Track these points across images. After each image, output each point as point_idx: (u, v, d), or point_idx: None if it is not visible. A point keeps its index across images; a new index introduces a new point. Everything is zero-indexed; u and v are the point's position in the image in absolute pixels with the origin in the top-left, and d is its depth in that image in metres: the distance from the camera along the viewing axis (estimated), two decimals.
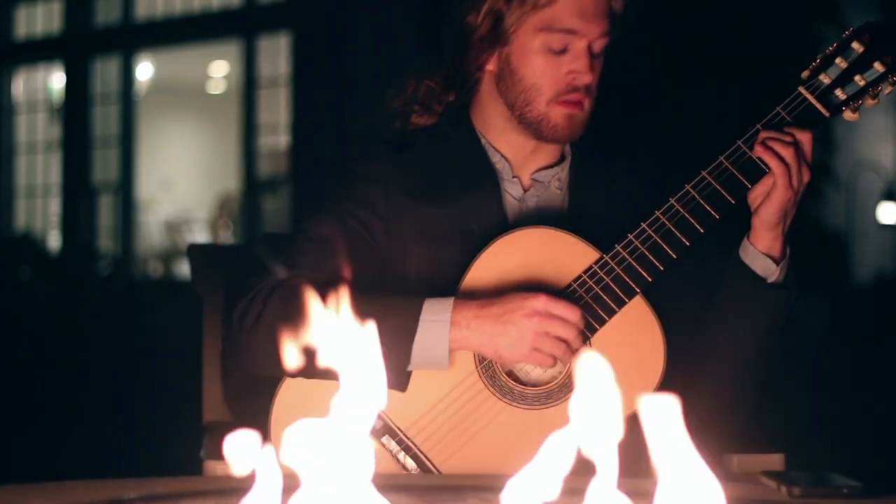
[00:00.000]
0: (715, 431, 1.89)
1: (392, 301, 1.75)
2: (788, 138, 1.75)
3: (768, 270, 1.81)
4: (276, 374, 1.78)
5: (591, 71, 1.81)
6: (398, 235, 1.86)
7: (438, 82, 1.94)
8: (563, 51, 1.81)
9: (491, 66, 1.87)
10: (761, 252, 1.80)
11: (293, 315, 1.73)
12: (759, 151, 1.76)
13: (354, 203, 1.86)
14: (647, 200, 1.80)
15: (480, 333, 1.72)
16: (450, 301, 1.74)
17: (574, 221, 1.86)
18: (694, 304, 1.89)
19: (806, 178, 1.75)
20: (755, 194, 1.77)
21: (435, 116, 1.95)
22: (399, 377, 1.74)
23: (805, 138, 1.75)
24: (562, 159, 1.92)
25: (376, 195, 1.86)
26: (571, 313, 1.72)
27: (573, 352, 1.73)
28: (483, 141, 1.91)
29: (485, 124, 1.91)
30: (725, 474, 1.84)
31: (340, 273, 1.79)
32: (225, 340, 1.85)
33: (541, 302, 1.71)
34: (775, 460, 1.92)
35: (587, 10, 1.81)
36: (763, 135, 1.76)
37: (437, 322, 1.72)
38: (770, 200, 1.75)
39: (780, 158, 1.74)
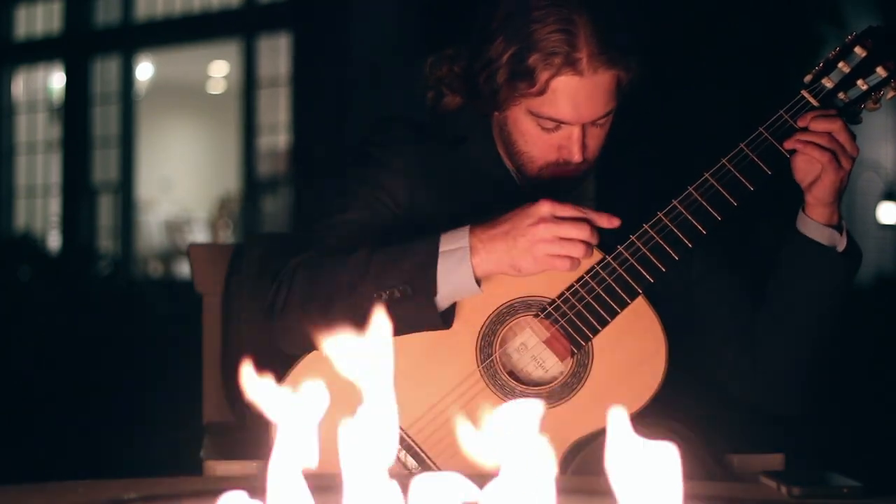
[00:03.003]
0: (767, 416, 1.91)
1: (409, 244, 1.75)
2: (821, 127, 1.75)
3: (834, 239, 1.81)
4: (312, 350, 1.78)
5: (583, 150, 1.78)
6: (411, 230, 1.86)
7: (465, 69, 1.89)
8: (557, 128, 1.79)
9: (497, 113, 1.87)
10: (823, 224, 1.80)
11: (318, 288, 1.75)
12: (797, 146, 1.75)
13: (378, 189, 1.87)
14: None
15: (496, 253, 1.71)
16: (465, 229, 1.73)
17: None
18: (737, 295, 1.91)
19: (854, 153, 1.75)
20: (801, 177, 1.78)
21: (462, 99, 1.92)
22: (432, 316, 1.73)
23: (835, 126, 1.75)
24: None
25: (397, 186, 1.87)
26: (578, 212, 1.71)
27: (588, 248, 1.71)
28: (501, 150, 1.91)
29: (500, 141, 1.91)
30: (725, 474, 1.84)
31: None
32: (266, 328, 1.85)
33: (545, 207, 1.70)
34: (775, 460, 1.92)
35: (580, 103, 1.76)
36: (798, 135, 1.76)
37: (456, 251, 1.71)
38: (821, 182, 1.76)
39: (822, 147, 1.74)
